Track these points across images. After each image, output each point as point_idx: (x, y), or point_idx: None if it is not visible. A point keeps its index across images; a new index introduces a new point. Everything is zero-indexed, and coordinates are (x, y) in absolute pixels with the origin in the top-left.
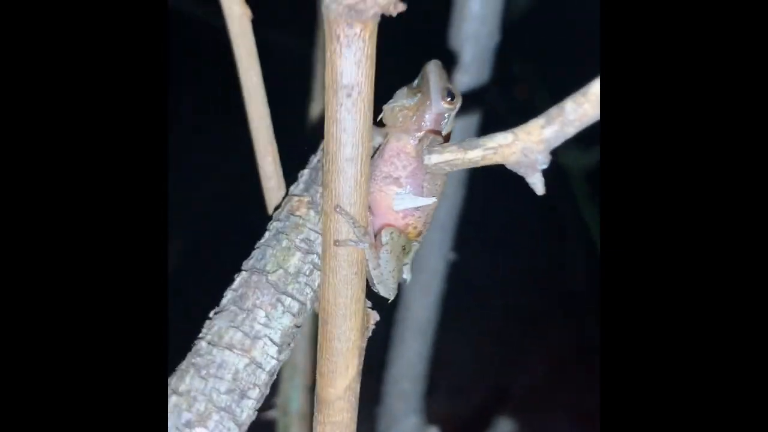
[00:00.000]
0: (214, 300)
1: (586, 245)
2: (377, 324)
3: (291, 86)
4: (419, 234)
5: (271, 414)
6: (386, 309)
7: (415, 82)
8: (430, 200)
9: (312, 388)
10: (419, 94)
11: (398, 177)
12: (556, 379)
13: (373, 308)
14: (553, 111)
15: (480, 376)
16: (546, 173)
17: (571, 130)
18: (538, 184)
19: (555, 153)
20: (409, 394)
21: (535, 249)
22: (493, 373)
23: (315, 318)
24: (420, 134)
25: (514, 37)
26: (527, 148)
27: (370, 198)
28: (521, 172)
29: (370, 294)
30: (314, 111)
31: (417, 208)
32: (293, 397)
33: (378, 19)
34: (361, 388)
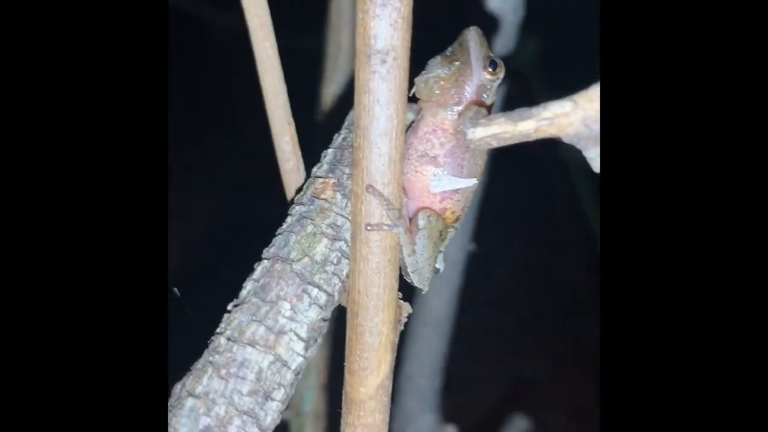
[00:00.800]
0: (232, 292)
1: (590, 240)
2: (403, 324)
3: (304, 65)
4: (457, 219)
5: (284, 414)
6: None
7: (449, 49)
8: (471, 182)
9: (327, 387)
10: (457, 63)
11: (435, 156)
12: (571, 376)
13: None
14: None
15: (498, 372)
16: (554, 166)
17: None
18: (596, 160)
19: (557, 148)
20: (425, 391)
21: (549, 241)
22: (512, 370)
23: (333, 311)
24: (459, 108)
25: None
26: (588, 117)
27: (404, 179)
28: (580, 145)
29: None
30: (329, 89)
31: (456, 191)
32: (307, 396)
33: None
34: None
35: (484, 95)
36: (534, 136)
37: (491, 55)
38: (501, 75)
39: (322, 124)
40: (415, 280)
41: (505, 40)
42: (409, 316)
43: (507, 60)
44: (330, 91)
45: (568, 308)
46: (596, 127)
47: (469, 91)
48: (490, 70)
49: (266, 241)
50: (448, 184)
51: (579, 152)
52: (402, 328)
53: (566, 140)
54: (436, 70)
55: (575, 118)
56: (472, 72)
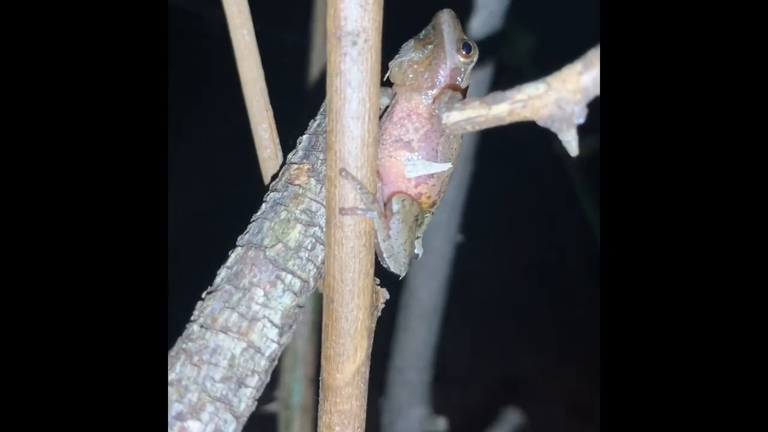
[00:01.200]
0: (207, 280)
1: (583, 232)
2: (381, 310)
3: (287, 51)
4: (433, 204)
5: (272, 407)
6: (390, 295)
7: (422, 33)
8: (446, 166)
9: (316, 379)
10: (430, 47)
11: (410, 141)
12: (563, 368)
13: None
14: (592, 54)
15: (490, 365)
16: (547, 159)
17: None
18: (572, 143)
19: (552, 140)
20: (414, 383)
21: (538, 233)
22: (505, 363)
23: (318, 301)
24: (434, 92)
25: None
26: (562, 98)
27: (379, 164)
28: (554, 128)
29: (376, 273)
30: (313, 73)
31: (431, 175)
32: (295, 389)
33: None
34: None
35: (459, 78)
36: (508, 120)
37: (465, 37)
38: (475, 58)
39: (303, 112)
40: (391, 265)
41: (486, 25)
42: (398, 308)
43: (499, 53)
44: (313, 81)
45: (562, 301)
46: (570, 108)
47: (443, 75)
48: (464, 52)
49: (243, 229)
50: (422, 169)
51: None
52: (379, 314)
53: (541, 123)
54: (410, 53)
55: (549, 99)
56: (446, 55)
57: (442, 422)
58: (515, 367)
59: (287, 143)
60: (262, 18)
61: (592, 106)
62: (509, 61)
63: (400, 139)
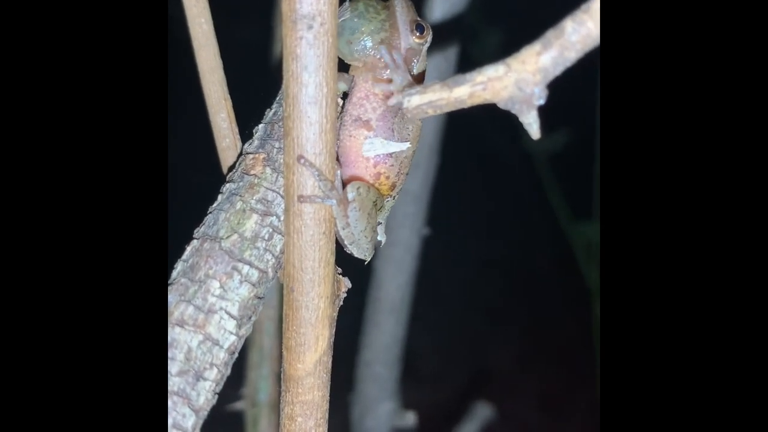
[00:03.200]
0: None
1: (552, 226)
2: (347, 304)
3: (248, 46)
4: (393, 187)
5: (238, 405)
6: (357, 288)
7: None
8: (404, 146)
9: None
10: (379, 18)
11: (368, 120)
12: (532, 362)
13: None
14: (550, 34)
15: (460, 360)
16: (515, 154)
17: (572, 55)
18: (533, 125)
19: (520, 138)
20: (383, 378)
21: (506, 227)
22: (475, 358)
23: (281, 295)
24: (388, 72)
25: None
26: (522, 80)
27: (339, 145)
28: (515, 110)
29: (342, 264)
30: (273, 65)
31: (389, 155)
32: (261, 386)
33: None
34: (333, 374)
35: (414, 60)
36: (469, 102)
37: (418, 18)
38: (428, 38)
39: (263, 100)
40: (354, 251)
41: (447, 13)
42: (366, 302)
43: (469, 50)
44: (273, 71)
45: (530, 294)
46: (530, 89)
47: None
48: (417, 33)
49: (201, 222)
50: (380, 148)
51: (542, 140)
52: (341, 303)
53: (502, 106)
54: (361, 26)
55: (509, 81)
56: (400, 36)
57: (411, 417)
58: (485, 361)
59: (246, 133)
60: (222, 12)
61: (562, 102)
62: (477, 55)
63: (359, 118)
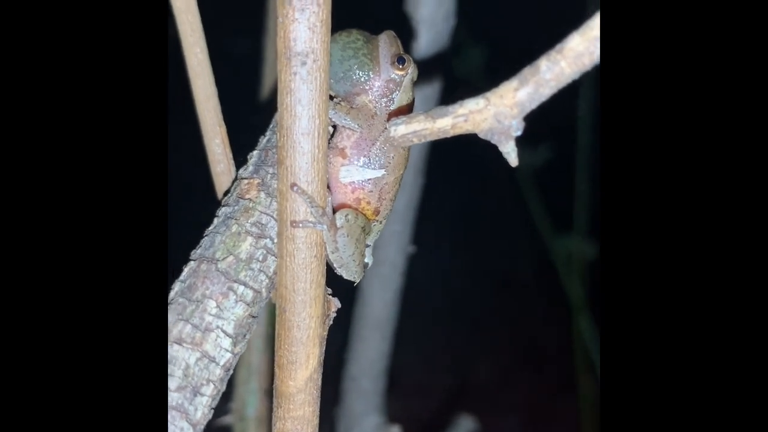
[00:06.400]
0: None
1: (534, 240)
2: (335, 321)
3: (239, 69)
4: (376, 212)
5: (227, 419)
6: (344, 305)
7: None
8: (378, 173)
9: (270, 390)
10: (362, 54)
11: (343, 147)
12: (515, 375)
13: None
14: (527, 71)
15: (445, 374)
16: (498, 170)
17: (546, 91)
18: (511, 154)
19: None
20: (369, 392)
21: (489, 242)
22: (460, 372)
23: (271, 313)
24: (363, 100)
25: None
26: (500, 113)
27: None
28: (494, 140)
29: (331, 283)
30: (264, 92)
31: (367, 181)
32: (250, 401)
33: None
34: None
35: (395, 91)
36: (452, 133)
37: (401, 52)
38: (410, 70)
39: (256, 126)
40: (344, 274)
41: (438, 46)
42: (352, 318)
43: (448, 64)
44: (265, 95)
45: (513, 309)
46: (508, 122)
47: (377, 86)
48: (399, 65)
49: (197, 244)
50: (356, 175)
51: (525, 154)
52: (331, 322)
53: (482, 136)
54: (349, 72)
55: (488, 114)
56: (380, 68)
57: (396, 430)
58: (469, 374)
59: (239, 158)
60: (213, 27)
61: (543, 117)
62: (460, 73)
63: (335, 146)
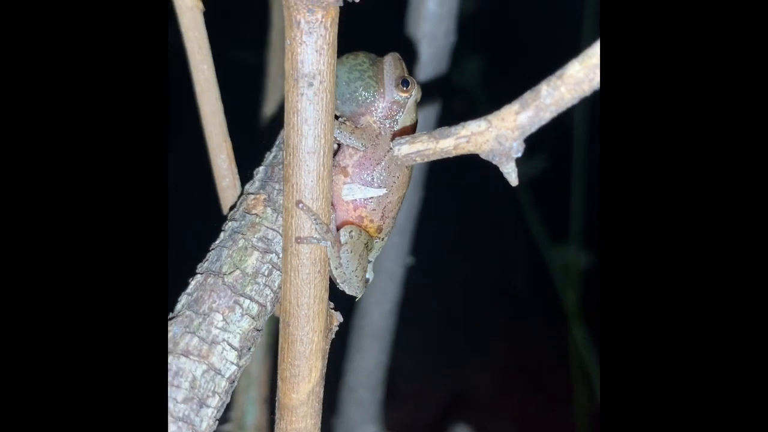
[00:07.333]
0: (169, 306)
1: (530, 250)
2: (334, 332)
3: (244, 84)
4: (379, 229)
5: (226, 428)
6: (343, 316)
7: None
8: (379, 191)
9: (269, 399)
10: (368, 77)
11: (346, 166)
12: (512, 385)
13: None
14: (528, 95)
15: (442, 384)
16: (495, 181)
17: (546, 116)
18: (512, 174)
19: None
20: (366, 402)
21: (486, 253)
22: (456, 382)
23: (271, 324)
24: (368, 120)
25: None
26: (501, 135)
27: None
28: (495, 161)
29: (330, 294)
30: (268, 107)
31: (369, 200)
32: (249, 410)
33: (340, 4)
34: None
35: (400, 112)
36: (454, 153)
37: (405, 75)
38: (413, 92)
39: (261, 142)
40: (346, 289)
41: (439, 62)
42: (351, 329)
43: (448, 80)
44: (269, 110)
45: (510, 319)
46: (509, 144)
47: (381, 108)
48: (403, 88)
49: (203, 257)
50: (358, 193)
51: (521, 165)
52: (333, 336)
53: (483, 156)
54: (354, 93)
55: (490, 136)
56: (384, 90)
57: None
58: (465, 384)
59: (247, 175)
60: (216, 40)
61: (539, 129)
62: (458, 83)
63: (338, 164)
